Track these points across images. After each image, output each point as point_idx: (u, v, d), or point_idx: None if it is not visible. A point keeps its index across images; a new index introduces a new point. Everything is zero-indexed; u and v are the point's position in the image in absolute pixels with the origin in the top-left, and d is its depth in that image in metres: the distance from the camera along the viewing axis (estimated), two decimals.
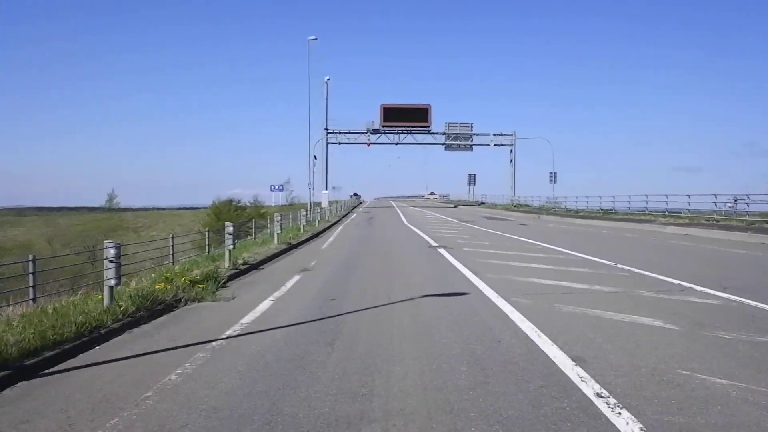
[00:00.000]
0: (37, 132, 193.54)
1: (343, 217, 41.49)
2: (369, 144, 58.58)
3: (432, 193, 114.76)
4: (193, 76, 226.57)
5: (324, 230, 26.62)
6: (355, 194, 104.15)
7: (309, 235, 22.18)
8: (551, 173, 48.79)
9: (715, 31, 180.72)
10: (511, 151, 61.88)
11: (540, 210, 43.07)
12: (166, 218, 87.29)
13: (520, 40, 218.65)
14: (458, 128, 61.06)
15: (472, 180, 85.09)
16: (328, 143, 59.39)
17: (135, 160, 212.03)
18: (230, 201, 66.15)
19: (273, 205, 76.55)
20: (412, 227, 28.06)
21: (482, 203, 66.22)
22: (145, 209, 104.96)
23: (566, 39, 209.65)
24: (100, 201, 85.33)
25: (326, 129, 58.82)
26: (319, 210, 28.44)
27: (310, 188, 42.54)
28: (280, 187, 77.18)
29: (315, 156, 47.90)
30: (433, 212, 48.62)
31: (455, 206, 65.53)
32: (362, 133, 59.65)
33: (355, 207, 67.24)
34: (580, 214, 36.30)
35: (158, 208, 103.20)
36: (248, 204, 70.59)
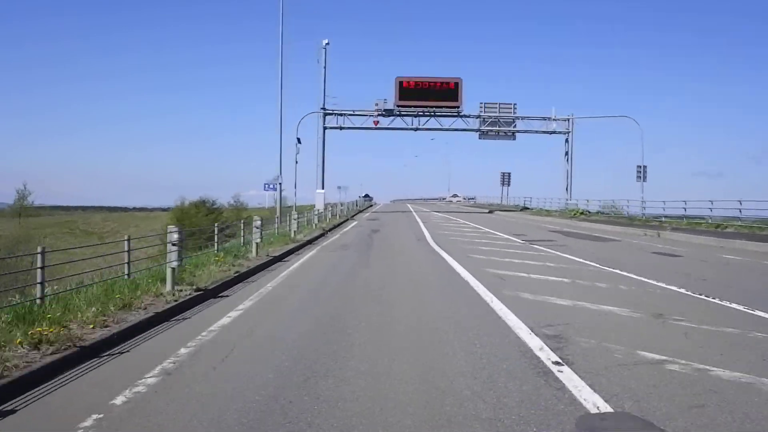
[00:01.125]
0: (47, 130, 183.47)
1: (332, 228, 27.19)
2: (377, 123, 44.06)
3: (455, 195, 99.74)
4: (200, 76, 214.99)
5: (262, 266, 12.40)
6: (366, 195, 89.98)
7: (174, 302, 7.89)
8: (639, 167, 33.88)
9: (728, 36, 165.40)
10: (567, 140, 47.13)
11: (634, 221, 28.32)
12: (140, 221, 74.12)
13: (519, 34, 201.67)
14: (497, 110, 46.42)
15: (505, 179, 70.19)
16: (325, 127, 45.16)
17: (141, 159, 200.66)
18: (203, 202, 52.44)
19: (266, 206, 63.02)
20: (446, 256, 13.74)
21: (525, 208, 51.49)
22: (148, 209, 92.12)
23: (563, 41, 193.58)
24: (105, 200, 72.47)
25: (323, 108, 44.58)
26: (260, 227, 13.96)
27: (279, 184, 28.50)
28: (274, 186, 63.17)
29: (299, 139, 33.85)
30: (466, 221, 34.11)
31: (490, 212, 50.94)
32: (371, 115, 45.25)
33: (361, 211, 52.98)
34: (726, 228, 21.57)
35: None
36: (227, 205, 56.87)
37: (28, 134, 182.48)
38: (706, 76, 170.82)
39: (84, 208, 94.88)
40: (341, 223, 31.80)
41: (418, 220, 34.77)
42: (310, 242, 19.02)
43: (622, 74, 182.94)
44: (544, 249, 16.47)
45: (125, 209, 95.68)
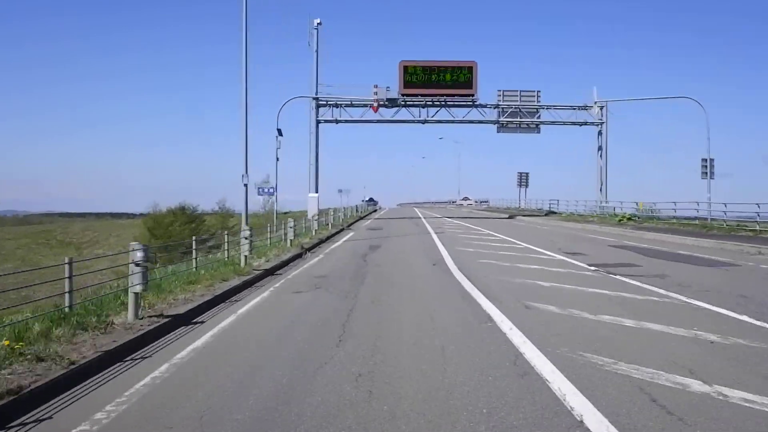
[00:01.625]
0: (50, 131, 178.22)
1: (318, 244, 20.77)
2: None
3: (466, 198, 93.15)
4: (200, 75, 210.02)
5: (129, 347, 6.00)
6: (371, 199, 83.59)
7: None
8: (704, 160, 27.23)
9: (728, 36, 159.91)
10: (600, 132, 40.55)
11: (710, 229, 21.72)
12: (124, 229, 68.06)
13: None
14: (518, 98, 39.93)
15: (523, 180, 63.97)
16: (318, 120, 38.81)
17: (143, 161, 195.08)
18: (182, 208, 46.05)
19: (261, 211, 56.69)
20: (489, 307, 7.27)
21: (551, 212, 44.89)
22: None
23: (563, 40, 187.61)
24: (110, 206, 67.04)
25: (316, 98, 38.26)
26: (144, 262, 7.56)
27: (245, 185, 22.06)
28: (270, 190, 56.91)
29: (280, 130, 27.52)
30: (490, 230, 27.63)
31: (510, 217, 44.42)
32: (371, 105, 38.79)
33: (362, 217, 46.57)
34: None
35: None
36: (211, 211, 50.56)
37: (27, 134, 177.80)
38: (706, 76, 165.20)
39: (88, 215, 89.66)
40: (333, 234, 25.38)
41: (430, 229, 28.31)
42: (270, 272, 12.59)
43: (622, 74, 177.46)
44: (645, 286, 9.98)
45: (132, 215, 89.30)
